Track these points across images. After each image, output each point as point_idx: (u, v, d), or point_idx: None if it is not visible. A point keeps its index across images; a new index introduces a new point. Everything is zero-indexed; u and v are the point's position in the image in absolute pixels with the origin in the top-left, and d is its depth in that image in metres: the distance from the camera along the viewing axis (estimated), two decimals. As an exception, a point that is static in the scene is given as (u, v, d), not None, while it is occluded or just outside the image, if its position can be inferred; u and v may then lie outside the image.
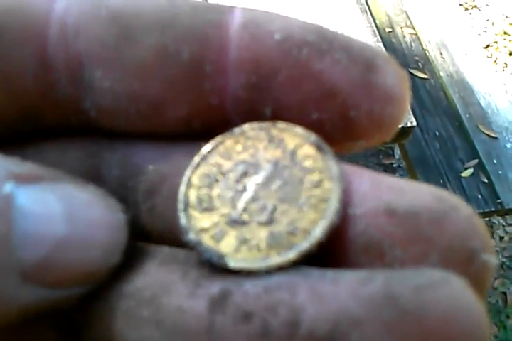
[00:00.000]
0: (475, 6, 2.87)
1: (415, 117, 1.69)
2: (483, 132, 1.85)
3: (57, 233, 0.15)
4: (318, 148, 0.17)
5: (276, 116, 0.17)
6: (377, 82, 0.16)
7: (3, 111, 0.18)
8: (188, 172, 0.18)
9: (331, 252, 0.16)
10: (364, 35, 1.43)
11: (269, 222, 0.16)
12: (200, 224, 0.17)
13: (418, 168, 1.74)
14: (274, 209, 0.17)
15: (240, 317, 0.14)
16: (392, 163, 2.29)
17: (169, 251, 0.17)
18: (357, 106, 0.16)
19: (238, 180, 0.17)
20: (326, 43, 0.17)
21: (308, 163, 0.17)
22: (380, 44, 1.41)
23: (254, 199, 0.17)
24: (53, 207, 0.15)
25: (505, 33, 2.75)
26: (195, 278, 0.15)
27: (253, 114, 0.18)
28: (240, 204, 0.17)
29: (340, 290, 0.13)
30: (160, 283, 0.15)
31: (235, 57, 0.17)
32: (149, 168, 0.19)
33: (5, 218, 0.14)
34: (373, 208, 0.15)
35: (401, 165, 2.24)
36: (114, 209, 0.16)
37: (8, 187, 0.14)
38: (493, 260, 0.15)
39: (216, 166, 0.18)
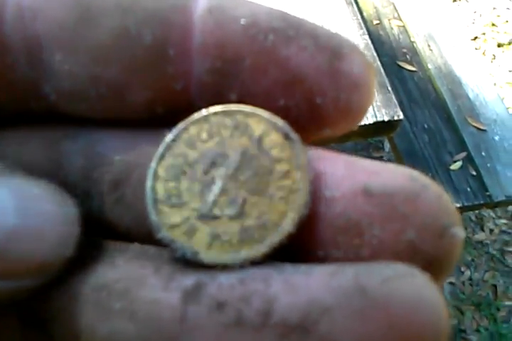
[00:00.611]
0: (463, -2, 2.86)
1: (404, 110, 1.67)
2: (471, 125, 1.84)
3: (7, 224, 0.14)
4: (286, 136, 0.17)
5: (241, 102, 0.17)
6: (343, 70, 0.16)
7: None
8: (153, 164, 0.17)
9: (307, 236, 0.16)
10: (350, 27, 1.41)
11: (240, 215, 0.16)
12: (171, 220, 0.17)
13: (407, 161, 1.73)
14: (244, 202, 0.16)
15: (213, 307, 0.14)
16: (382, 156, 2.29)
17: (139, 248, 0.17)
18: (323, 93, 0.16)
19: (206, 172, 0.17)
20: (293, 30, 0.16)
21: (275, 152, 0.17)
22: (366, 36, 1.39)
23: (223, 191, 0.17)
24: (5, 200, 0.15)
25: (493, 24, 2.74)
26: (169, 272, 0.15)
27: (218, 98, 0.17)
28: (209, 198, 0.17)
29: (312, 281, 0.14)
30: (132, 277, 0.15)
31: (200, 41, 0.16)
32: (115, 158, 0.18)
33: None
34: (350, 190, 0.16)
35: (391, 159, 2.23)
36: (65, 203, 0.16)
37: None
38: (461, 233, 0.16)
39: (182, 156, 0.17)
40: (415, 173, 0.16)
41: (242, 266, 0.16)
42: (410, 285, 0.14)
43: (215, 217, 0.16)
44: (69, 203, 0.16)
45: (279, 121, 0.17)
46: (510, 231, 2.23)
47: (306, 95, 0.17)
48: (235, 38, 0.16)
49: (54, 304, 0.16)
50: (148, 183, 0.17)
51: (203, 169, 0.17)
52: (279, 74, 0.16)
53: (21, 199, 0.15)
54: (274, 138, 0.17)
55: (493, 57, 2.64)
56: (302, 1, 1.42)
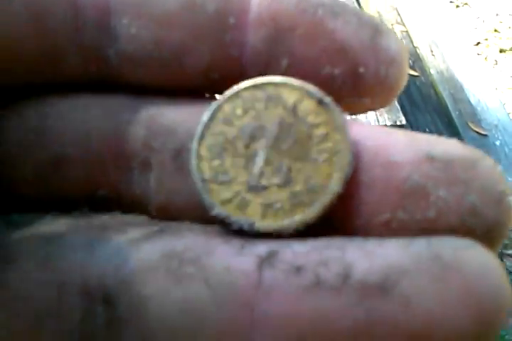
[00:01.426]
0: (466, 3, 2.87)
1: (405, 114, 1.69)
2: (472, 129, 1.85)
3: None
4: (319, 101, 0.17)
5: (290, 70, 0.18)
6: (383, 45, 0.18)
7: (28, 47, 0.19)
8: (194, 145, 0.18)
9: (374, 200, 0.17)
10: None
11: (287, 182, 0.17)
12: (222, 196, 0.17)
13: (408, 165, 1.75)
14: (289, 169, 0.17)
15: (291, 271, 0.15)
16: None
17: (197, 226, 0.18)
18: (365, 64, 0.18)
19: (247, 146, 0.18)
20: (339, 7, 0.18)
21: (311, 118, 0.17)
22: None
23: (267, 162, 0.17)
24: None
25: (495, 30, 2.76)
26: (239, 242, 0.16)
27: (270, 66, 0.19)
28: (255, 170, 0.17)
29: (387, 249, 0.15)
30: (203, 246, 0.16)
31: (256, 12, 0.18)
32: (177, 128, 0.19)
33: None
34: (415, 156, 0.17)
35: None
36: None
37: None
38: None
39: (221, 135, 0.18)
40: (471, 147, 0.18)
41: (298, 229, 0.17)
42: (478, 254, 0.15)
43: (264, 188, 0.17)
44: None
45: (311, 88, 0.18)
46: (509, 234, 2.23)
47: (350, 65, 0.18)
48: (288, 11, 0.18)
49: (120, 273, 0.16)
50: (193, 164, 0.18)
51: (244, 143, 0.18)
52: (326, 44, 0.18)
53: None
54: (307, 104, 0.17)
55: (495, 62, 2.65)
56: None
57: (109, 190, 0.19)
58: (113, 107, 0.20)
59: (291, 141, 0.17)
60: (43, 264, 0.16)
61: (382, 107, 0.20)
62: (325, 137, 0.17)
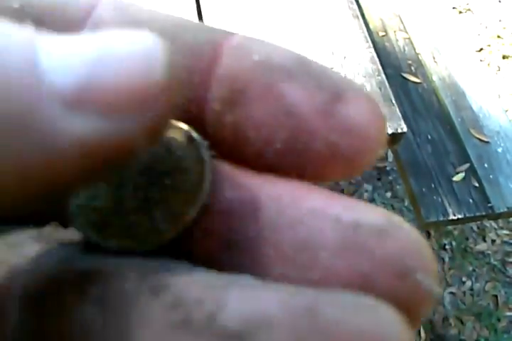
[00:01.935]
0: (469, 10, 2.88)
1: (407, 121, 1.70)
2: (474, 136, 1.86)
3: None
4: (190, 138, 0.19)
5: (236, 129, 0.18)
6: (339, 112, 0.17)
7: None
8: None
9: (264, 253, 0.17)
10: (356, 40, 1.43)
11: (148, 209, 0.18)
12: (88, 217, 0.18)
13: (410, 171, 1.75)
14: (153, 197, 0.18)
15: (170, 305, 0.14)
16: (385, 166, 2.30)
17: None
18: (314, 131, 0.17)
19: (120, 175, 0.19)
20: (300, 70, 0.18)
21: (181, 152, 0.19)
22: (372, 50, 1.41)
23: (134, 188, 0.18)
24: None
25: (498, 36, 2.76)
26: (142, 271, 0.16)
27: (219, 125, 0.19)
28: (122, 194, 0.18)
29: (266, 294, 0.14)
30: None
31: (219, 73, 0.19)
32: None
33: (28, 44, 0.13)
34: (322, 219, 0.16)
35: (394, 168, 2.25)
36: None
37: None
38: (430, 283, 0.15)
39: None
40: (391, 214, 0.16)
41: (151, 250, 0.18)
42: (373, 317, 0.13)
43: (126, 212, 0.18)
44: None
45: (184, 126, 0.19)
46: (511, 241, 2.24)
47: (295, 130, 0.17)
48: (245, 71, 0.18)
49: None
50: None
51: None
52: (275, 105, 0.18)
53: None
54: (180, 141, 0.19)
55: (497, 69, 2.65)
56: (310, 15, 1.45)
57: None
58: None
59: (159, 171, 0.18)
60: None
61: (345, 178, 0.18)
62: (189, 168, 0.18)
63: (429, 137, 1.83)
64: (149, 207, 0.18)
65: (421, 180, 1.73)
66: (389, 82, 1.39)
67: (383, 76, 1.39)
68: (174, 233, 0.18)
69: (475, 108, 1.94)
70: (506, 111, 2.01)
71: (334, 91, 0.17)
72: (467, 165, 1.78)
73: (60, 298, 0.16)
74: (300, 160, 0.18)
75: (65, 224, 0.20)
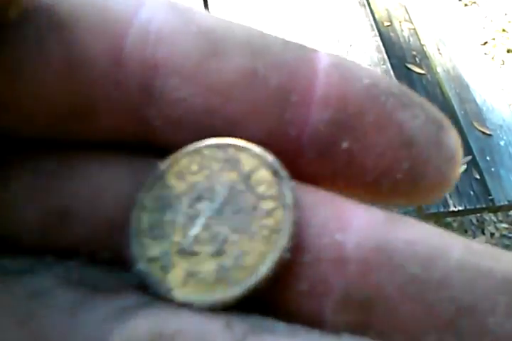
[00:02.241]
0: (474, 2, 2.86)
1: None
2: (477, 129, 1.85)
3: None
4: (275, 173, 0.17)
5: (351, 155, 0.17)
6: (446, 143, 0.18)
7: (60, 99, 0.17)
8: (141, 194, 0.17)
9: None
10: (362, 28, 1.42)
11: (219, 253, 0.16)
12: (150, 253, 0.16)
13: (412, 163, 1.75)
14: (225, 240, 0.16)
15: None
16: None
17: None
18: (428, 161, 0.17)
19: (191, 205, 0.17)
20: (407, 98, 0.18)
21: (262, 189, 0.16)
22: (378, 38, 1.40)
23: (206, 227, 0.16)
24: None
25: (503, 30, 2.75)
26: (242, 330, 0.14)
27: (328, 148, 0.18)
28: (191, 232, 0.16)
29: None
30: (198, 331, 0.14)
31: (322, 92, 0.17)
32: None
33: None
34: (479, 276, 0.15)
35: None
36: None
37: None
38: None
39: (170, 188, 0.17)
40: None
41: (213, 307, 0.15)
42: None
43: (194, 253, 0.16)
44: None
45: (270, 157, 0.17)
46: (510, 235, 2.24)
47: (413, 160, 0.17)
48: (358, 95, 0.17)
49: None
50: (134, 213, 0.17)
51: (189, 202, 0.17)
52: (393, 135, 0.17)
53: None
54: (262, 174, 0.17)
55: (502, 62, 2.64)
56: (316, 2, 1.43)
57: (113, 254, 0.17)
58: (138, 170, 0.18)
59: (235, 210, 0.16)
60: (21, 324, 0.15)
61: (430, 202, 0.19)
62: (270, 212, 0.16)
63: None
64: (220, 253, 0.16)
65: (422, 172, 1.72)
66: (394, 73, 1.38)
67: (388, 65, 1.38)
68: (244, 292, 0.15)
69: (478, 101, 1.93)
70: (510, 104, 2.00)
71: (438, 120, 0.18)
72: (469, 157, 1.78)
73: None
74: (414, 188, 0.18)
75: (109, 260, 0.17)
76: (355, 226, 0.16)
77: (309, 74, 0.17)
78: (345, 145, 0.17)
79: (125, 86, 0.17)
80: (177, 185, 0.17)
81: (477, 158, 1.78)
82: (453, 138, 0.18)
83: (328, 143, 0.17)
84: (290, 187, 0.16)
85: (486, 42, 2.69)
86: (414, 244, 0.15)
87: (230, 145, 0.17)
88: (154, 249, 0.16)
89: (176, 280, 0.16)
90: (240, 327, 0.14)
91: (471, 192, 1.70)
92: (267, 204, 0.16)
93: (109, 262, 0.17)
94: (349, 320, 0.15)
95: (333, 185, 0.18)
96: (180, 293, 0.15)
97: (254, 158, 0.17)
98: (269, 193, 0.16)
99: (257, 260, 0.15)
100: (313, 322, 0.15)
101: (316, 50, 0.18)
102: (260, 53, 0.17)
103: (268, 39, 0.18)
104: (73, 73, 0.17)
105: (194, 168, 0.17)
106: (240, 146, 0.17)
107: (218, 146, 0.17)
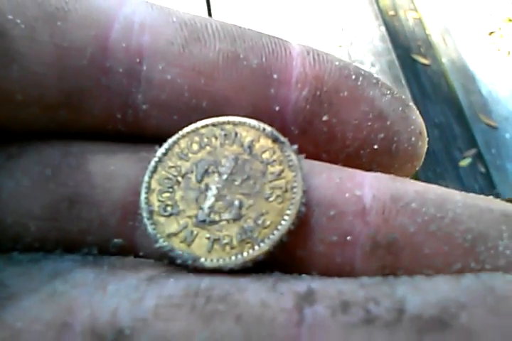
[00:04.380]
0: (480, -9, 2.82)
1: (416, 104, 1.65)
2: (483, 121, 1.82)
3: None
4: (274, 140, 0.18)
5: (331, 129, 0.19)
6: (413, 119, 0.20)
7: (51, 86, 0.18)
8: (145, 178, 0.18)
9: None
10: (367, 17, 1.39)
11: (238, 218, 0.17)
12: (168, 229, 0.17)
13: (415, 156, 1.72)
14: (241, 205, 0.17)
15: (337, 308, 0.14)
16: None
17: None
18: (399, 133, 0.19)
19: (200, 180, 0.17)
20: (375, 78, 0.20)
21: (266, 155, 0.17)
22: (383, 28, 1.37)
23: (218, 197, 0.17)
24: None
25: (510, 20, 2.70)
26: (271, 279, 0.15)
27: (310, 123, 0.19)
28: (206, 204, 0.17)
29: (437, 284, 0.15)
30: (231, 284, 0.15)
31: (300, 72, 0.19)
32: None
33: None
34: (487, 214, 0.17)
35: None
36: None
37: None
38: None
39: (174, 168, 0.18)
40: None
41: (245, 266, 0.16)
42: None
43: (213, 222, 0.17)
44: None
45: (267, 127, 0.18)
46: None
47: (387, 131, 0.19)
48: (331, 74, 0.19)
49: (136, 310, 0.15)
50: (142, 196, 0.17)
51: (197, 178, 0.17)
52: (368, 108, 0.19)
53: None
54: (263, 142, 0.18)
55: (508, 53, 2.60)
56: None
57: (124, 239, 0.18)
58: (145, 156, 0.19)
59: (245, 177, 0.17)
60: (45, 301, 0.15)
61: (405, 176, 0.20)
62: (279, 174, 0.17)
63: (437, 121, 1.80)
64: (239, 218, 0.17)
65: (427, 165, 1.70)
66: (398, 63, 1.35)
67: (393, 55, 1.35)
68: (271, 247, 0.16)
69: (484, 92, 1.90)
70: (516, 96, 1.97)
71: (403, 100, 0.20)
72: (474, 150, 1.75)
73: None
74: (390, 159, 0.19)
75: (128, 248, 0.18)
76: (368, 183, 0.17)
77: (286, 56, 0.19)
78: (325, 118, 0.19)
79: (113, 72, 0.18)
80: (181, 164, 0.18)
81: (482, 151, 1.75)
82: (418, 116, 0.20)
83: (310, 118, 0.19)
84: (293, 150, 0.17)
85: (492, 33, 2.65)
86: (423, 192, 0.17)
87: (226, 121, 0.18)
88: (172, 225, 0.17)
89: (200, 249, 0.16)
90: (270, 277, 0.16)
91: (476, 186, 1.68)
92: (275, 168, 0.17)
93: (121, 252, 0.18)
94: (378, 265, 0.16)
95: (317, 160, 0.19)
96: (207, 260, 0.16)
97: (252, 130, 0.18)
98: (274, 158, 0.17)
99: (276, 217, 0.16)
100: (344, 272, 0.16)
101: (287, 40, 0.20)
102: (239, 38, 0.19)
103: (243, 28, 0.19)
104: (62, 62, 0.18)
105: (195, 147, 0.18)
106: (235, 121, 0.18)
107: (214, 124, 0.18)
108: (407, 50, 1.93)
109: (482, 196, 0.18)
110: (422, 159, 0.20)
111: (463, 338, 0.14)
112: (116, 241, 0.18)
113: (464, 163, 1.72)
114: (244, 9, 1.28)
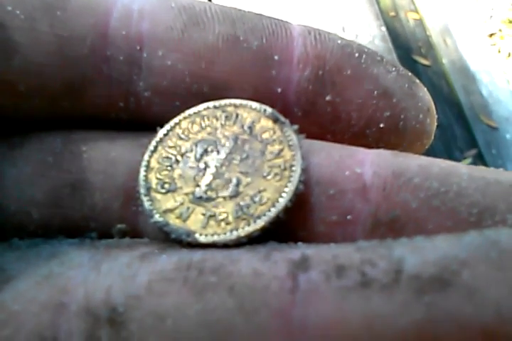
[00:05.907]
0: (481, -7, 2.82)
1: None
2: (483, 122, 1.83)
3: None
4: (275, 120, 0.18)
5: (335, 108, 0.19)
6: (420, 96, 0.19)
7: (53, 76, 0.18)
8: (145, 157, 0.18)
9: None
10: (367, 18, 1.39)
11: (235, 194, 0.17)
12: (165, 205, 0.17)
13: (416, 157, 1.73)
14: (239, 183, 0.17)
15: (332, 272, 0.13)
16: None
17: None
18: (406, 110, 0.19)
19: (199, 159, 0.17)
20: (379, 56, 0.20)
21: (266, 135, 0.18)
22: (384, 28, 1.37)
23: (217, 175, 0.17)
24: None
25: (510, 21, 2.71)
26: (265, 249, 0.15)
27: (313, 104, 0.19)
28: (204, 181, 0.17)
29: (437, 243, 0.14)
30: (224, 256, 0.15)
31: (301, 52, 0.18)
32: None
33: None
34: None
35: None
36: None
37: None
38: None
39: (174, 148, 0.18)
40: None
41: (239, 242, 0.16)
42: None
43: (210, 199, 0.17)
44: None
45: (268, 108, 0.18)
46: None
47: (393, 109, 0.19)
48: (333, 53, 0.18)
49: (129, 286, 0.15)
50: (141, 174, 0.18)
51: (196, 157, 0.17)
52: (372, 87, 0.19)
53: None
54: (264, 123, 0.18)
55: (508, 54, 2.61)
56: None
57: (128, 225, 0.18)
58: (141, 140, 0.19)
59: (244, 156, 0.17)
60: (41, 283, 0.15)
61: (415, 154, 0.20)
62: (278, 153, 0.17)
63: (437, 121, 1.80)
64: (235, 195, 0.17)
65: (427, 165, 1.70)
66: (399, 64, 1.36)
67: (394, 56, 1.35)
68: (267, 224, 0.16)
69: (485, 93, 1.90)
70: (516, 97, 1.97)
71: (409, 77, 0.19)
72: (475, 150, 1.76)
73: None
74: (398, 138, 0.19)
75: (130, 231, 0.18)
76: (369, 160, 0.17)
77: (287, 36, 0.19)
78: (328, 98, 0.19)
79: (113, 60, 0.18)
80: (181, 144, 0.18)
81: (483, 152, 1.76)
82: (426, 93, 0.20)
83: (313, 99, 0.19)
84: (293, 130, 0.17)
85: (492, 34, 2.65)
86: (426, 166, 0.17)
87: (227, 104, 0.18)
88: (168, 202, 0.17)
89: (195, 224, 0.16)
90: (263, 248, 0.15)
91: (477, 186, 1.68)
92: (274, 148, 0.17)
93: (123, 236, 0.18)
94: None
95: (321, 141, 0.19)
96: (202, 235, 0.16)
97: (253, 112, 0.18)
98: (274, 138, 0.17)
99: (273, 194, 0.16)
100: None
101: (288, 21, 0.19)
102: (238, 21, 0.18)
103: (243, 11, 0.19)
104: (63, 51, 0.18)
105: (195, 128, 0.18)
106: (237, 104, 0.18)
107: (216, 106, 0.18)
108: (408, 51, 1.93)
109: (491, 168, 0.18)
110: (432, 137, 0.20)
111: (465, 296, 0.13)
112: (120, 226, 0.18)
113: (465, 163, 1.72)
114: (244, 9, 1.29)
